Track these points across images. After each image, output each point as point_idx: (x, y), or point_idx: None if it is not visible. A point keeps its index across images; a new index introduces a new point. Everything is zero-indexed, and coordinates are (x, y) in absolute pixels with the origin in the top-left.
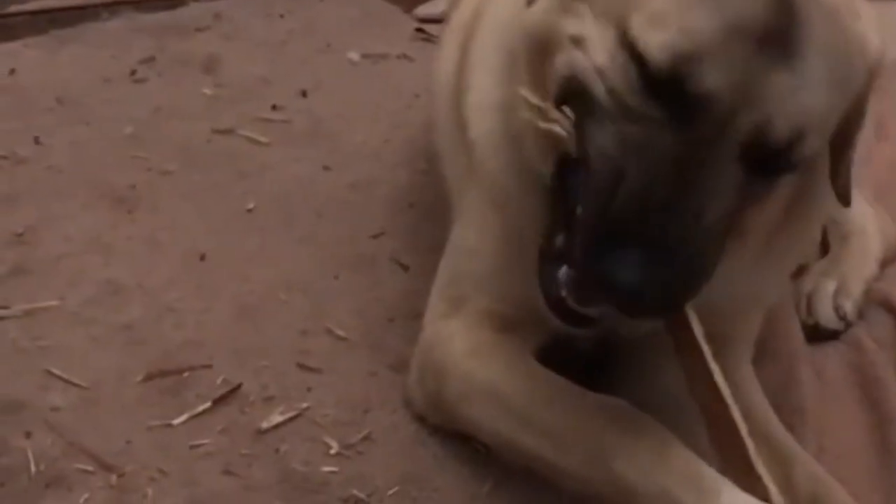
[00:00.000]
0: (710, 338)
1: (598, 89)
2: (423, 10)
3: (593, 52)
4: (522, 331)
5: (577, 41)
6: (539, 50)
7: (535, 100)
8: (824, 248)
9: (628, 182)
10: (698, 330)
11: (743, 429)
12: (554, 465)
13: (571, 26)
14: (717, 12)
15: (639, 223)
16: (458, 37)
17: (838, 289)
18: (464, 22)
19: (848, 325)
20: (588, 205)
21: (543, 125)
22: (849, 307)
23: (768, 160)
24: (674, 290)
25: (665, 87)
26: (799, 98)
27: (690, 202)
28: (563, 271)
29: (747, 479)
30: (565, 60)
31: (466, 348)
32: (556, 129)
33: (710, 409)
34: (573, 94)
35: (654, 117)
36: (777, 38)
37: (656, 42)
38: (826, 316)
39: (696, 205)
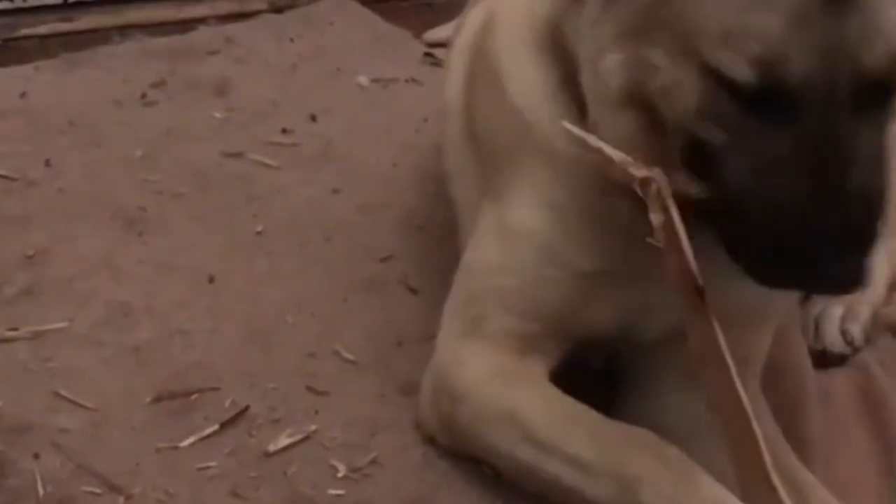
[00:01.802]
0: None
1: (707, 133)
2: (431, 35)
3: (684, 98)
4: (543, 350)
5: (665, 92)
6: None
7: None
8: None
9: (785, 192)
10: (723, 340)
11: (763, 447)
12: (576, 493)
13: (651, 80)
14: (775, 7)
15: (817, 225)
16: (464, 57)
17: (846, 313)
18: (468, 43)
19: (855, 349)
20: (757, 217)
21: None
22: (856, 332)
23: (877, 93)
24: (867, 262)
25: (762, 99)
26: (881, 26)
27: (842, 179)
28: None
29: (766, 499)
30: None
31: (485, 371)
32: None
33: (731, 424)
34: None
35: (765, 131)
36: None
37: (733, 63)
38: (833, 340)
39: (848, 178)
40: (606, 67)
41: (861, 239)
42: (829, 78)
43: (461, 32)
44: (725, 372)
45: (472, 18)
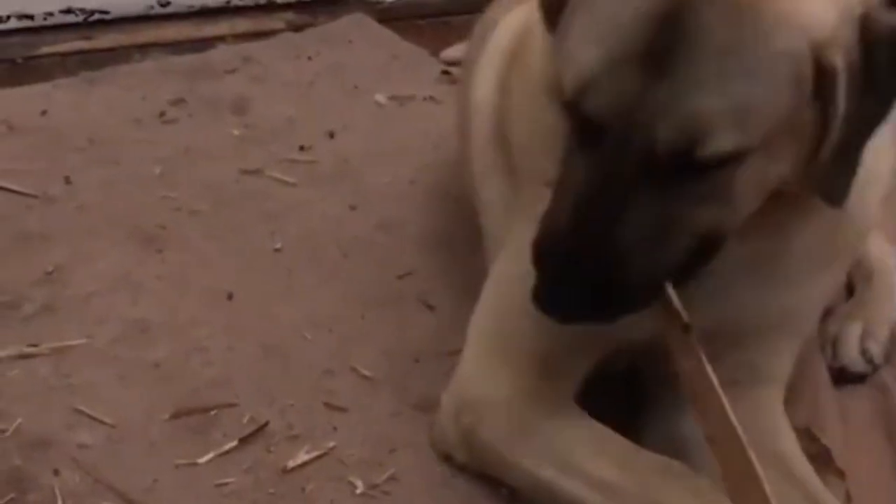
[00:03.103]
0: (738, 370)
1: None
2: (449, 53)
3: None
4: (569, 369)
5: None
6: None
7: None
8: (849, 289)
9: (559, 208)
10: (703, 357)
11: (756, 462)
12: None
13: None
14: (602, 45)
15: (555, 247)
16: (498, 59)
17: (864, 331)
18: (504, 45)
19: (875, 368)
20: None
21: None
22: (875, 350)
23: (672, 165)
24: (603, 302)
25: (574, 118)
26: (683, 104)
27: (600, 220)
28: None
29: None
30: None
31: (510, 388)
32: None
33: (719, 441)
34: None
35: (575, 150)
36: (658, 56)
37: (566, 79)
38: (852, 359)
39: (605, 221)
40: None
41: (588, 284)
42: (624, 128)
43: (496, 32)
44: (717, 402)
45: (511, 21)
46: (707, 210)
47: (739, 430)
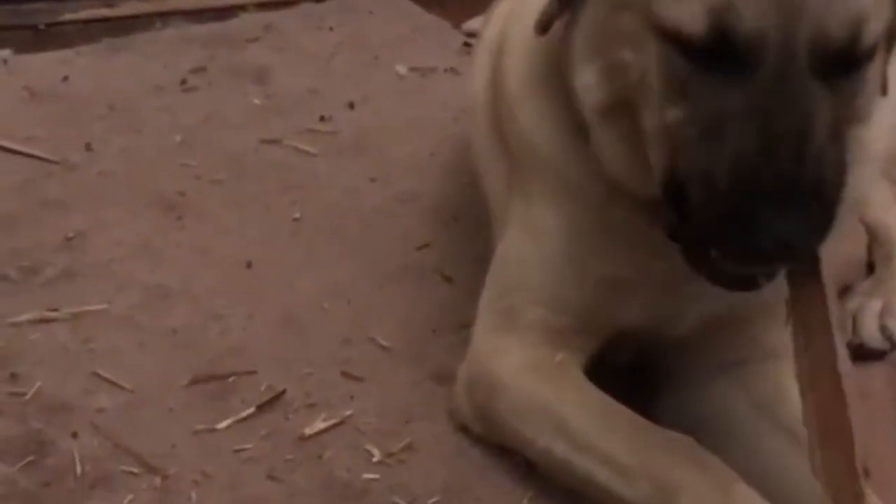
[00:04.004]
0: (746, 347)
1: (672, 113)
2: (471, 25)
3: (651, 77)
4: (575, 344)
5: (638, 84)
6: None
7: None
8: (869, 267)
9: (731, 150)
10: (828, 281)
11: (853, 431)
12: (611, 492)
13: (626, 79)
14: None
15: (762, 179)
16: (489, 52)
17: (884, 308)
18: (493, 37)
19: (893, 345)
20: (703, 186)
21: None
22: (894, 327)
23: (839, 61)
24: (818, 224)
25: (712, 52)
26: None
27: (793, 137)
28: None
29: (849, 482)
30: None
31: (522, 364)
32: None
33: (819, 387)
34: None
35: (718, 90)
36: None
37: (686, 15)
38: (871, 336)
39: (799, 137)
40: (583, 83)
41: (807, 202)
42: (785, 35)
43: (488, 25)
44: (829, 346)
45: (498, 12)
46: (852, 108)
47: (843, 378)
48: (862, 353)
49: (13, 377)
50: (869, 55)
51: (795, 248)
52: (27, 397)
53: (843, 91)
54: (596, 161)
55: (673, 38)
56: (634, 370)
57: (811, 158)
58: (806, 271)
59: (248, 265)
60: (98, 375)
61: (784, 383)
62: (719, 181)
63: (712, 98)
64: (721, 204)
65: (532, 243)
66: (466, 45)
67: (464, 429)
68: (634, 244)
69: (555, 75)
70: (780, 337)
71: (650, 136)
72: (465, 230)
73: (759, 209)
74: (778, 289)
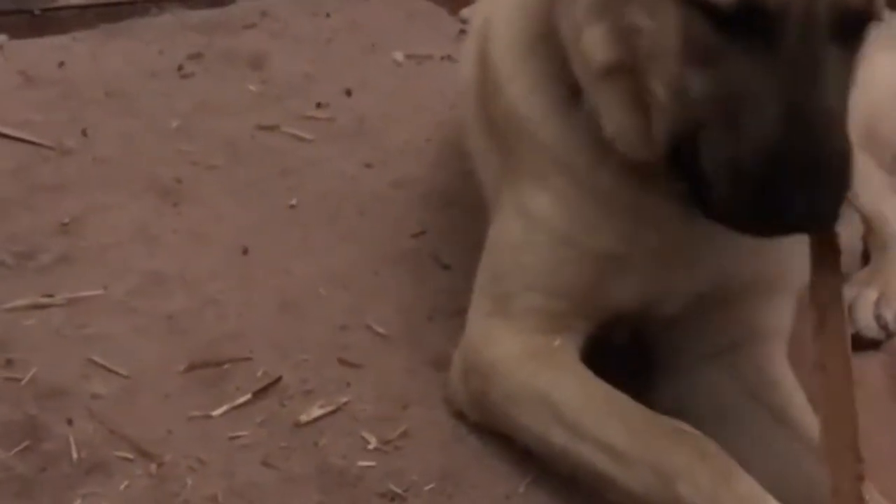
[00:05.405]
0: (737, 330)
1: (689, 78)
2: (468, 12)
3: (667, 42)
4: (569, 328)
5: (649, 47)
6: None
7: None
8: (865, 257)
9: (756, 121)
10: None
11: (855, 401)
12: (609, 479)
13: (635, 41)
14: None
15: (789, 152)
16: (476, 37)
17: (879, 298)
18: (481, 22)
19: (889, 334)
20: (725, 158)
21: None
22: (890, 316)
23: (855, 23)
24: (840, 194)
25: (740, 22)
26: None
27: (818, 111)
28: None
29: (850, 464)
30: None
31: (516, 350)
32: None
33: (830, 370)
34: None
35: (742, 57)
36: None
37: None
38: (867, 325)
39: (824, 109)
40: (588, 43)
41: (832, 174)
42: (810, 2)
43: (476, 11)
44: (842, 330)
45: None
46: (855, 77)
47: (851, 362)
48: (857, 343)
49: (8, 363)
50: (879, 15)
51: (820, 219)
52: (22, 383)
53: (852, 58)
54: (583, 129)
55: (699, 5)
56: (628, 357)
57: (835, 129)
58: (826, 250)
59: (245, 251)
60: (93, 361)
61: (775, 367)
62: (744, 152)
63: (735, 66)
64: (745, 177)
65: (523, 227)
66: (463, 32)
67: (460, 415)
68: (625, 215)
69: (542, 43)
70: (769, 318)
71: (660, 101)
72: (461, 216)
73: (786, 183)
74: (765, 267)
